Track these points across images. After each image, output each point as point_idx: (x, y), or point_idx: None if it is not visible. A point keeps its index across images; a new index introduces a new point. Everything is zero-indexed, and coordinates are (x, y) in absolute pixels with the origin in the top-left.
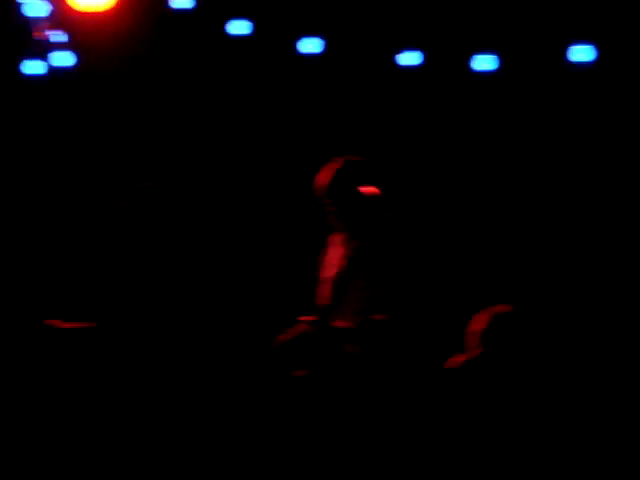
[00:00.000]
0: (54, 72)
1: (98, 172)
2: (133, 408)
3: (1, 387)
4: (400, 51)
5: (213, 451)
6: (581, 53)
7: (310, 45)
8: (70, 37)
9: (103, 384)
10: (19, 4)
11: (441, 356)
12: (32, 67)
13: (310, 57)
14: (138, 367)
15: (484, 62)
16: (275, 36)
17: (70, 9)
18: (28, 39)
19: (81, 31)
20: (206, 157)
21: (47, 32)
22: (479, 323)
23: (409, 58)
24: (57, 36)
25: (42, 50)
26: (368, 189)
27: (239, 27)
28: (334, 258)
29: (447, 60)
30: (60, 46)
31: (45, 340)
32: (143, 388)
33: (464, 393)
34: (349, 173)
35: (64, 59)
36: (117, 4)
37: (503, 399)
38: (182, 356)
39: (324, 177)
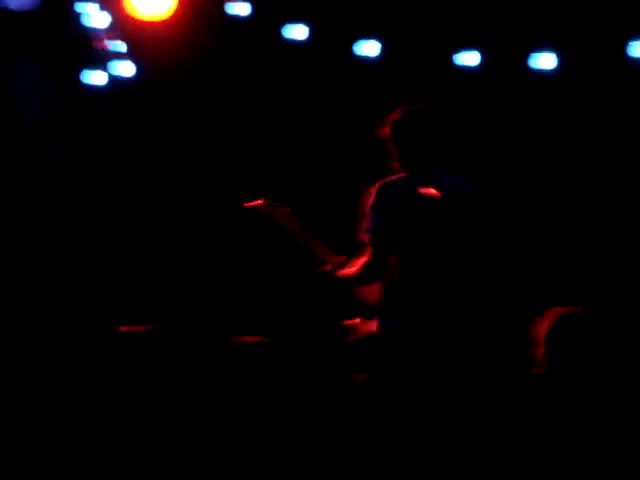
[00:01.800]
0: (114, 82)
1: (163, 180)
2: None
3: (65, 390)
4: (458, 51)
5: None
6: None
7: (368, 48)
8: (129, 46)
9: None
10: (78, 14)
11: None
12: (92, 77)
13: (368, 60)
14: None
15: (544, 60)
16: (333, 40)
17: (129, 18)
18: (88, 49)
19: (140, 40)
20: (269, 162)
21: (107, 42)
22: (543, 326)
23: (468, 58)
24: (116, 46)
25: (102, 60)
26: (428, 191)
27: (297, 32)
28: None
29: (506, 59)
30: (120, 56)
31: (112, 344)
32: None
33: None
34: (414, 119)
35: (124, 69)
36: (175, 12)
37: (569, 409)
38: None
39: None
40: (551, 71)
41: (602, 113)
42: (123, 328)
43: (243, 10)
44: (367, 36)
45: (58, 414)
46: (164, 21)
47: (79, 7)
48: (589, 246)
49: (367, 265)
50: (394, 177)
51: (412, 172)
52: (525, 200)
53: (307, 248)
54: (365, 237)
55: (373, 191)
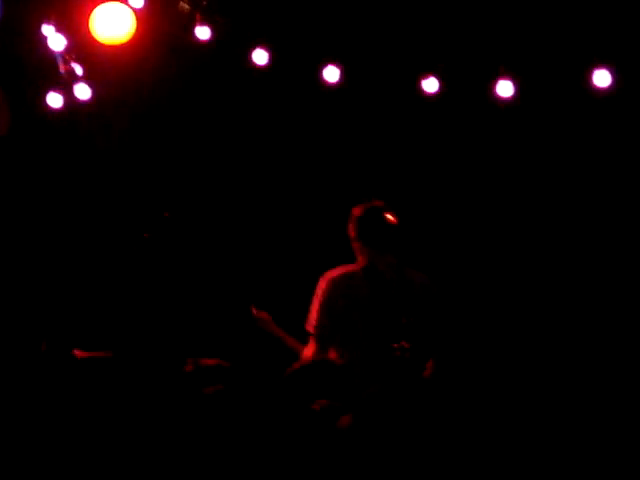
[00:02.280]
0: (70, 104)
1: (120, 204)
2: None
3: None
4: (420, 77)
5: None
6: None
7: (329, 73)
8: (85, 69)
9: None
10: (35, 36)
11: None
12: (48, 99)
13: (330, 85)
14: (152, 396)
15: (505, 88)
16: (294, 64)
17: (86, 41)
18: (52, 72)
19: (97, 63)
20: (226, 187)
21: (67, 64)
22: None
23: (429, 85)
24: (76, 69)
25: (64, 82)
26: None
27: (258, 57)
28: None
29: (466, 86)
30: (76, 78)
31: (65, 369)
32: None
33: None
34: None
35: (80, 91)
36: (134, 37)
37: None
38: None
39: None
40: (510, 98)
41: (560, 141)
42: (80, 353)
43: (203, 34)
44: (329, 61)
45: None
46: (121, 45)
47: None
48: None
49: (310, 358)
50: (344, 270)
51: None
52: (483, 224)
53: (283, 342)
54: (310, 329)
55: (323, 284)
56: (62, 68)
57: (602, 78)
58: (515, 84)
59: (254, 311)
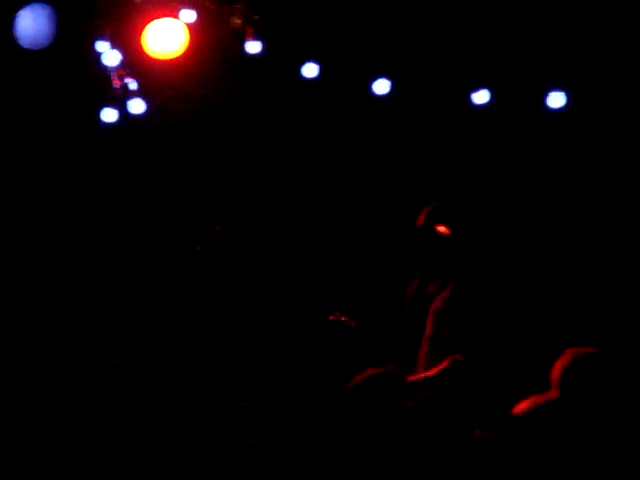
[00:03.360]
0: (126, 119)
1: (174, 217)
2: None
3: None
4: (470, 89)
5: None
6: None
7: (379, 86)
8: (140, 84)
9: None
10: (91, 52)
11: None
12: (104, 114)
13: (381, 97)
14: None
15: (556, 99)
16: (345, 77)
17: (140, 56)
18: (105, 87)
19: (151, 78)
20: (278, 199)
21: (122, 79)
22: (559, 365)
23: (481, 97)
24: (130, 84)
25: (114, 97)
26: (441, 229)
27: (309, 70)
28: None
29: (518, 97)
30: (131, 93)
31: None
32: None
33: (535, 439)
34: (440, 214)
35: (135, 106)
36: (186, 51)
37: (578, 445)
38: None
39: (420, 217)
40: (561, 109)
41: (611, 152)
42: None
43: (255, 48)
44: (379, 74)
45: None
46: (175, 59)
47: (96, 45)
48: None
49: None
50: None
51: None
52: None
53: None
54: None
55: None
56: (116, 83)
57: None
58: (567, 95)
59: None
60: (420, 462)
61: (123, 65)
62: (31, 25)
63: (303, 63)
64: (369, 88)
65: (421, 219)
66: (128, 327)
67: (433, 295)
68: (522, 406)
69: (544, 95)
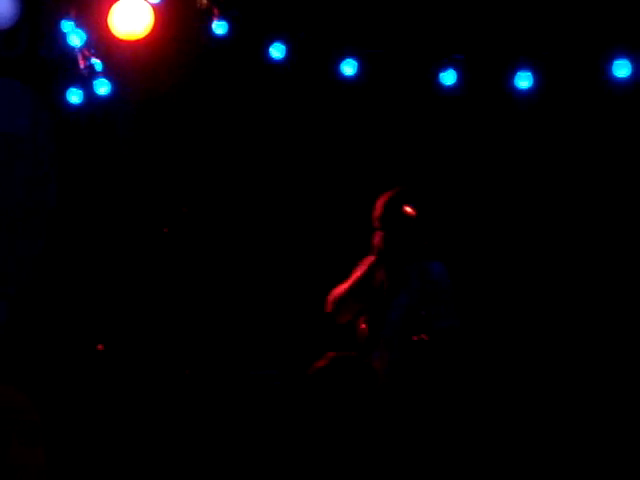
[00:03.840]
0: (90, 99)
1: (140, 199)
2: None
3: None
4: (439, 70)
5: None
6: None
7: (348, 67)
8: (105, 65)
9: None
10: (64, 34)
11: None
12: (73, 95)
13: (349, 78)
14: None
15: (524, 79)
16: (312, 58)
17: (105, 36)
18: (64, 67)
19: (116, 58)
20: (244, 182)
21: (87, 60)
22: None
23: (448, 77)
24: (95, 64)
25: (78, 78)
26: (408, 210)
27: (276, 51)
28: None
29: (485, 78)
30: (96, 74)
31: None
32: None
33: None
34: (400, 201)
35: (100, 87)
36: (152, 31)
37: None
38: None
39: (378, 204)
40: (529, 90)
41: (580, 133)
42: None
43: (221, 29)
44: (346, 54)
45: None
46: (141, 40)
47: (57, 25)
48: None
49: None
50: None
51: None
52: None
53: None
54: None
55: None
56: (82, 64)
57: (622, 69)
58: (535, 75)
59: None
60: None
61: (88, 45)
62: None
63: (270, 44)
64: (336, 69)
65: (380, 206)
66: (99, 311)
67: (398, 282)
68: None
69: (512, 75)
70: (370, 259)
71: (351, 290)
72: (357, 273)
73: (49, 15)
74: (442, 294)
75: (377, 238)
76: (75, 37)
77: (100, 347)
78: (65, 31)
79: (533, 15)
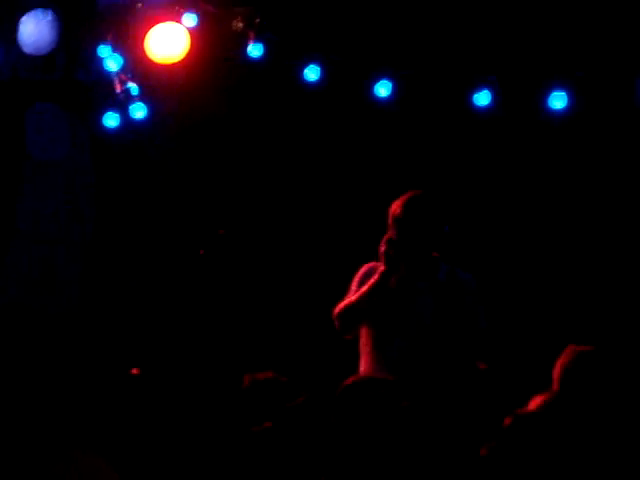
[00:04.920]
0: (127, 124)
1: (177, 221)
2: None
3: None
4: (473, 91)
5: None
6: None
7: (383, 88)
8: (142, 88)
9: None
10: (101, 58)
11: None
12: (110, 119)
13: (381, 100)
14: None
15: (558, 99)
16: (347, 80)
17: (142, 60)
18: (101, 91)
19: (153, 82)
20: (281, 204)
21: (124, 84)
22: (560, 362)
23: (482, 98)
24: (129, 88)
25: (115, 102)
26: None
27: (312, 73)
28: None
29: (519, 98)
30: (132, 98)
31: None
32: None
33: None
34: (422, 205)
35: (136, 111)
36: (188, 55)
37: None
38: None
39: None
40: (563, 110)
41: (615, 154)
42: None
43: (257, 51)
44: (380, 76)
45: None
46: (177, 63)
47: (95, 50)
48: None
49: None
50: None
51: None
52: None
53: None
54: None
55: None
56: (118, 88)
57: None
58: (569, 95)
59: None
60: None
61: (125, 70)
62: (33, 31)
63: (305, 66)
64: (371, 90)
65: (400, 206)
66: (134, 332)
67: (425, 289)
68: (531, 405)
69: (546, 95)
70: (376, 268)
71: (361, 301)
72: (366, 286)
73: (86, 39)
74: (473, 294)
75: (386, 245)
76: (112, 61)
77: (135, 371)
78: (102, 55)
79: (566, 35)
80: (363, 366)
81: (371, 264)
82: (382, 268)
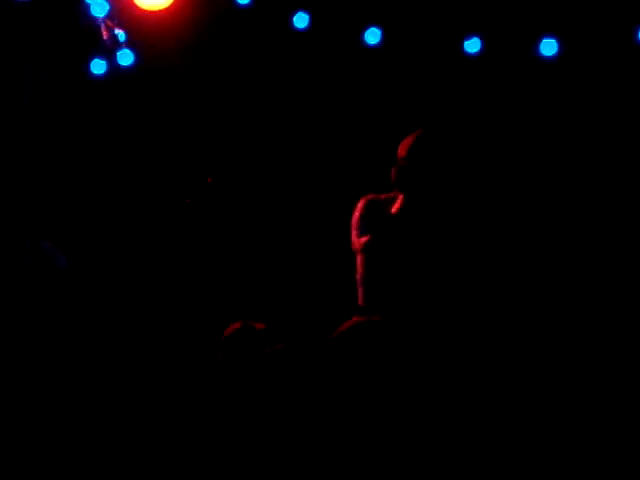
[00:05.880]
0: (116, 70)
1: (162, 169)
2: None
3: None
4: (462, 38)
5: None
6: None
7: (370, 35)
8: (131, 35)
9: None
10: (87, 5)
11: None
12: (97, 66)
13: (372, 48)
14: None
15: (548, 47)
16: (335, 27)
17: (131, 7)
18: (94, 39)
19: (140, 28)
20: (269, 151)
21: (111, 31)
22: None
23: (472, 45)
24: (119, 35)
25: (107, 49)
26: None
27: (300, 20)
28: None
29: (509, 45)
30: (119, 44)
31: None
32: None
33: None
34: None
35: (125, 57)
36: (175, 1)
37: None
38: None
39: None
40: (554, 57)
41: (606, 100)
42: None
43: None
44: (369, 23)
45: None
46: (164, 10)
47: None
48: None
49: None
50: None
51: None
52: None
53: None
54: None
55: None
56: (105, 35)
57: None
58: (560, 43)
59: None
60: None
61: (111, 16)
62: None
63: (293, 13)
64: (360, 38)
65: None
66: (121, 282)
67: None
68: None
69: (536, 42)
70: (377, 200)
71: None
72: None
73: None
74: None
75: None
76: (98, 7)
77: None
78: (89, 1)
79: None
80: (364, 296)
81: (370, 197)
82: (400, 196)
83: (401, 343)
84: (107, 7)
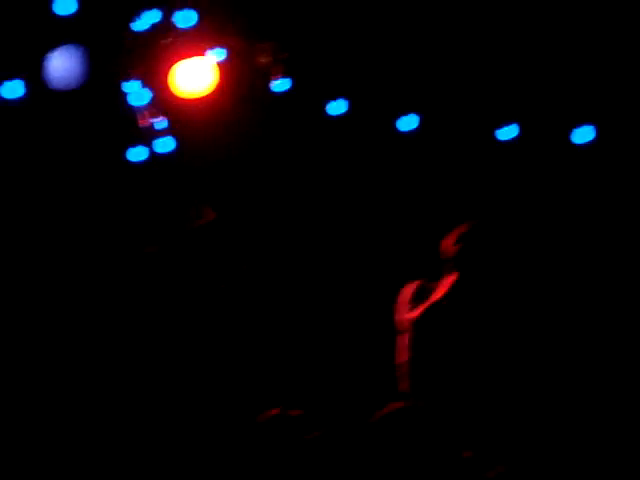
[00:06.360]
0: (156, 158)
1: (201, 256)
2: None
3: None
4: (500, 125)
5: None
6: None
7: (407, 122)
8: (170, 122)
9: None
10: (125, 94)
11: None
12: (136, 154)
13: (407, 134)
14: None
15: (583, 135)
16: (373, 114)
17: (171, 95)
18: (132, 127)
19: (181, 116)
20: (306, 237)
21: (150, 119)
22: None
23: (507, 132)
24: (159, 123)
25: (145, 137)
26: None
27: (337, 107)
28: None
29: (545, 132)
30: (160, 132)
31: None
32: None
33: None
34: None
35: (165, 145)
36: (216, 89)
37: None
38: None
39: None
40: (589, 144)
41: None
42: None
43: (282, 86)
44: (406, 110)
45: None
46: (205, 97)
47: (124, 86)
48: None
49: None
50: None
51: None
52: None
53: None
54: None
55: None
56: (142, 122)
57: None
58: (595, 130)
59: None
60: None
61: (151, 104)
62: (62, 67)
63: (330, 100)
64: (396, 124)
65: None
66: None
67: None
68: None
69: (571, 130)
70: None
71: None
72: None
73: (113, 75)
74: None
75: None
76: (139, 96)
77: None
78: (129, 91)
79: (592, 70)
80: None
81: (417, 282)
82: (453, 276)
83: (445, 431)
84: (149, 95)
